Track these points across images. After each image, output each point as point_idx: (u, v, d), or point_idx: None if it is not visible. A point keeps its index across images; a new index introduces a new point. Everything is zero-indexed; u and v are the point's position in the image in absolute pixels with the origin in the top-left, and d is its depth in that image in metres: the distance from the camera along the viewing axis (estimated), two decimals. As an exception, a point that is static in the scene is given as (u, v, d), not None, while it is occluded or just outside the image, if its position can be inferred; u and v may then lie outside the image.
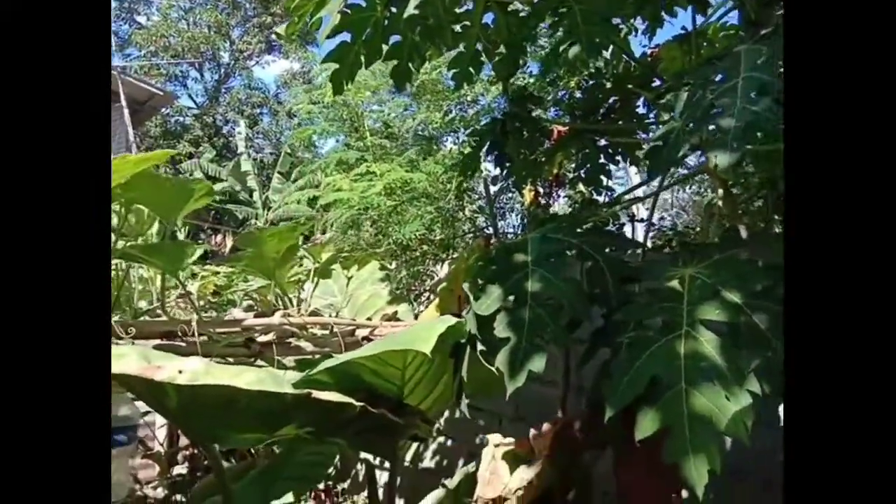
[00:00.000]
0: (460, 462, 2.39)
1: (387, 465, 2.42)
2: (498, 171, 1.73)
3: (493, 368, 0.85)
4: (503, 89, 1.90)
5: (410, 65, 1.43)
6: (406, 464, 2.67)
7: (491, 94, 3.08)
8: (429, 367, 0.87)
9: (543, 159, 1.88)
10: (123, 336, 0.84)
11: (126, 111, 6.32)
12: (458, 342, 0.88)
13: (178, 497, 2.47)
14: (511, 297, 0.84)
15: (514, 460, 1.03)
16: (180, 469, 2.64)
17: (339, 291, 1.69)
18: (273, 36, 15.80)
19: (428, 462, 2.53)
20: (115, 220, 1.21)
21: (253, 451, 2.19)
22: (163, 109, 11.08)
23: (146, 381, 0.66)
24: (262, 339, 1.26)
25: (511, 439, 1.11)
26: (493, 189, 3.22)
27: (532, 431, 0.97)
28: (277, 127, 15.58)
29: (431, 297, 2.88)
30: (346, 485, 2.89)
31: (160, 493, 2.51)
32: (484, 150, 1.68)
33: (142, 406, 1.84)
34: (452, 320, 0.77)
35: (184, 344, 0.98)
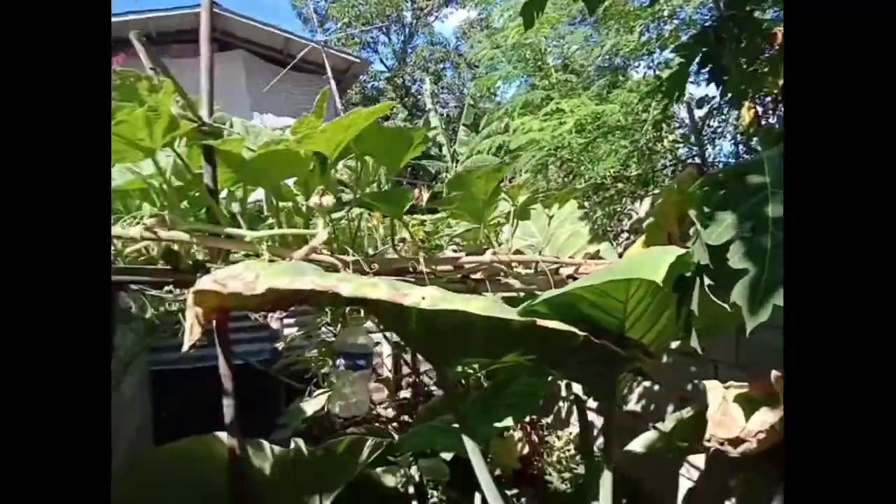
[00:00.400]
0: (669, 408, 2.30)
1: (590, 403, 2.45)
2: (709, 89, 1.53)
3: (723, 305, 0.78)
4: (716, -9, 1.64)
5: (606, -17, 1.33)
6: (608, 404, 2.67)
7: (691, 4, 2.69)
8: (651, 300, 0.83)
9: (766, 69, 1.60)
10: (368, 271, 0.98)
11: (332, 82, 7.09)
12: (682, 275, 0.83)
13: (405, 417, 2.86)
14: (747, 224, 0.75)
15: (747, 403, 0.95)
16: (405, 393, 3.04)
17: (539, 232, 1.71)
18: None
19: (633, 405, 2.49)
20: (348, 175, 1.38)
21: (464, 382, 2.41)
22: (360, 76, 12.14)
23: (395, 305, 0.76)
24: (474, 276, 1.35)
25: (743, 383, 1.02)
26: (698, 113, 2.87)
27: (775, 373, 0.87)
28: (460, 80, 15.97)
29: (630, 236, 2.74)
30: (549, 420, 3.02)
31: (390, 412, 2.94)
32: (693, 65, 1.49)
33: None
34: (679, 250, 0.72)
35: (413, 279, 1.10)
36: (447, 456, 1.76)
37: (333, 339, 2.28)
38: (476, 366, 2.25)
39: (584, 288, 0.76)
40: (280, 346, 2.62)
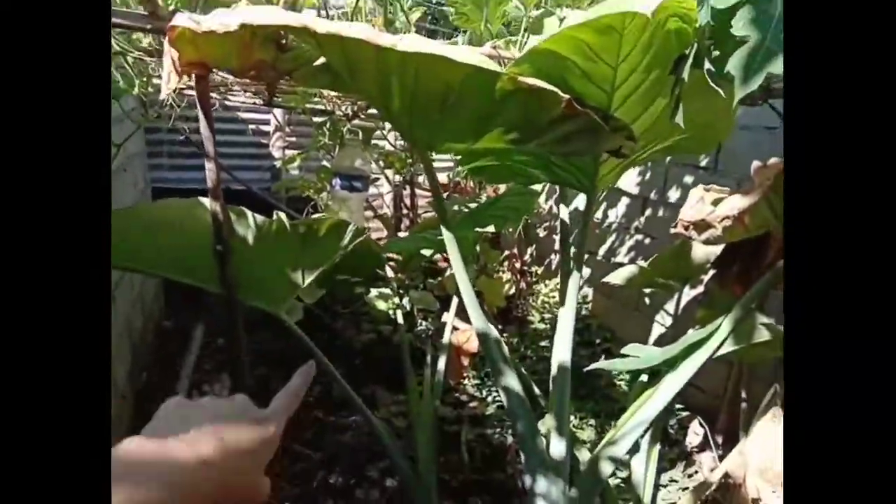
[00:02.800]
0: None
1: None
2: None
3: (717, 89, 0.74)
4: None
5: None
6: (599, 258, 2.74)
7: None
8: (644, 77, 0.79)
9: None
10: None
11: None
12: (682, 54, 0.78)
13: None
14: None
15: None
16: (402, 234, 3.12)
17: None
18: None
19: (622, 257, 2.55)
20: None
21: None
22: None
23: (377, 56, 0.73)
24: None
25: (725, 187, 1.01)
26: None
27: (755, 163, 0.86)
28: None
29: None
30: (540, 270, 3.13)
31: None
32: None
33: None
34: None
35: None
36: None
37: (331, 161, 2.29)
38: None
39: (569, 42, 0.71)
40: (278, 164, 2.63)
